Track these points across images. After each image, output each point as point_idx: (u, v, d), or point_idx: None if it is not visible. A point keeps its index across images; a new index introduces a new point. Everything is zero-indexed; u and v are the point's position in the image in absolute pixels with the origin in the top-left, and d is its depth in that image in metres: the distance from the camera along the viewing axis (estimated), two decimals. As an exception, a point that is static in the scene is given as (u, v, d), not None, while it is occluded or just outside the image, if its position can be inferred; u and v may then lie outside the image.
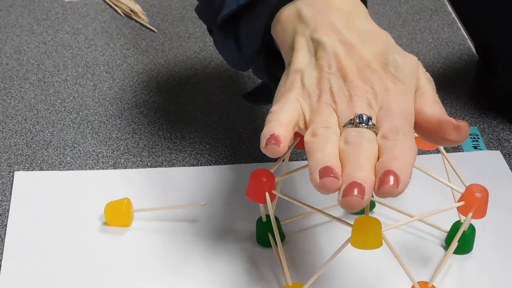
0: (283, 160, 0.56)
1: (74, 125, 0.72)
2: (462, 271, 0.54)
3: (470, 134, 0.69)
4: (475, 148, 0.68)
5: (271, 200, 0.51)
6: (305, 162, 0.56)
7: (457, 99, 0.75)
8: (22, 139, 0.70)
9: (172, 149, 0.69)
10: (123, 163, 0.67)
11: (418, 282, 0.50)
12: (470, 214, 0.50)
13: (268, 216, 0.54)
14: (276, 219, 0.56)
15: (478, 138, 0.69)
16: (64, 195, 0.62)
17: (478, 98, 0.75)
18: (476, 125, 0.71)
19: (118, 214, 0.59)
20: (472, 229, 0.55)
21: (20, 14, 0.91)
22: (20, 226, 0.59)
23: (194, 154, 0.68)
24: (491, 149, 0.68)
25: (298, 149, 0.57)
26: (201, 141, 0.70)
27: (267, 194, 0.51)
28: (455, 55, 0.82)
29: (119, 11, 0.92)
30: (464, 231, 0.54)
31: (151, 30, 0.88)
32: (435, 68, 0.80)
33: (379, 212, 0.60)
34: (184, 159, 0.67)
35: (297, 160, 0.67)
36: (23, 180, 0.64)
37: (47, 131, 0.71)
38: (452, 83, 0.78)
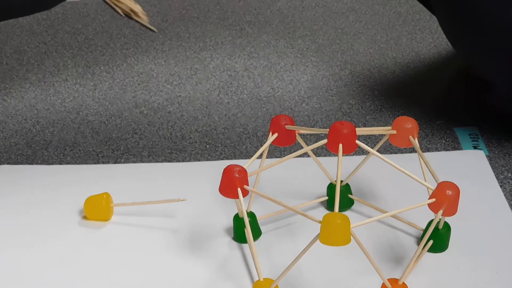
0: (260, 157, 0.57)
1: (74, 125, 0.72)
2: (436, 269, 0.54)
3: (470, 134, 0.70)
4: (475, 148, 0.68)
5: (243, 196, 0.51)
6: (280, 159, 0.57)
7: (457, 99, 0.75)
8: (22, 139, 0.70)
9: (172, 149, 0.69)
10: (123, 163, 0.67)
11: (388, 279, 0.50)
12: (441, 212, 0.50)
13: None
14: (253, 215, 0.56)
15: (478, 138, 0.69)
16: (45, 189, 0.63)
17: (479, 98, 0.75)
18: (475, 125, 0.71)
19: (97, 209, 0.59)
20: (447, 227, 0.55)
21: (20, 14, 0.91)
22: (0, 218, 0.60)
23: (194, 154, 0.68)
24: (491, 149, 0.68)
25: (276, 145, 0.57)
26: (201, 141, 0.70)
27: (239, 189, 0.51)
28: (455, 55, 0.82)
29: (119, 11, 0.92)
30: (439, 229, 0.54)
31: (151, 30, 0.88)
32: (435, 68, 0.80)
33: (357, 210, 0.60)
34: (184, 159, 0.67)
35: (275, 156, 0.67)
36: (7, 173, 0.65)
37: (47, 131, 0.71)
38: (452, 83, 0.78)
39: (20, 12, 0.70)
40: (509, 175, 0.65)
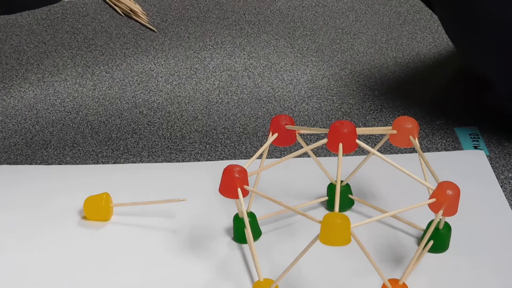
0: (260, 157, 0.57)
1: (73, 125, 0.72)
2: (436, 269, 0.54)
3: (470, 134, 0.70)
4: (476, 147, 0.67)
5: (243, 196, 0.51)
6: (280, 159, 0.57)
7: (457, 98, 0.75)
8: (22, 139, 0.70)
9: (172, 149, 0.69)
10: (123, 163, 0.67)
11: (388, 280, 0.50)
12: (441, 212, 0.50)
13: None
14: (253, 215, 0.56)
15: (478, 138, 0.69)
16: (44, 189, 0.63)
17: (479, 98, 0.75)
18: (476, 125, 0.71)
19: (97, 209, 0.59)
20: (447, 227, 0.55)
21: (20, 14, 0.91)
22: (0, 218, 0.60)
23: (194, 154, 0.68)
24: (492, 149, 0.67)
25: (276, 145, 0.57)
26: (201, 141, 0.70)
27: (239, 189, 0.51)
28: (455, 54, 0.82)
29: (118, 10, 0.92)
30: (439, 230, 0.54)
31: (150, 29, 0.88)
32: (435, 68, 0.80)
33: (357, 210, 0.60)
34: (184, 159, 0.67)
35: (275, 156, 0.67)
36: (6, 173, 0.65)
37: (46, 131, 0.71)
38: (452, 83, 0.78)
39: (33, 4, 0.69)
40: (510, 175, 0.64)
